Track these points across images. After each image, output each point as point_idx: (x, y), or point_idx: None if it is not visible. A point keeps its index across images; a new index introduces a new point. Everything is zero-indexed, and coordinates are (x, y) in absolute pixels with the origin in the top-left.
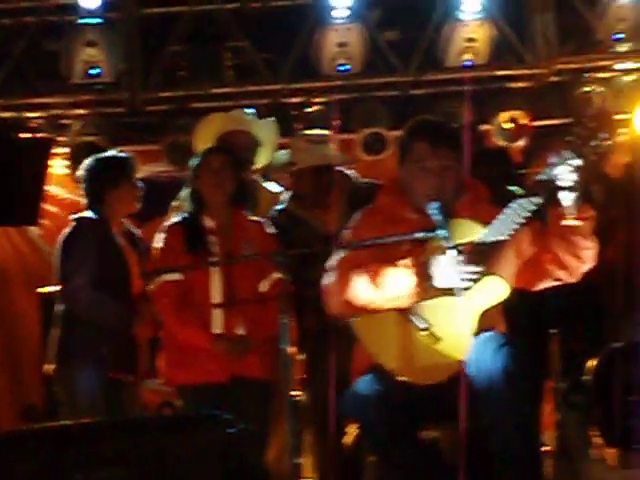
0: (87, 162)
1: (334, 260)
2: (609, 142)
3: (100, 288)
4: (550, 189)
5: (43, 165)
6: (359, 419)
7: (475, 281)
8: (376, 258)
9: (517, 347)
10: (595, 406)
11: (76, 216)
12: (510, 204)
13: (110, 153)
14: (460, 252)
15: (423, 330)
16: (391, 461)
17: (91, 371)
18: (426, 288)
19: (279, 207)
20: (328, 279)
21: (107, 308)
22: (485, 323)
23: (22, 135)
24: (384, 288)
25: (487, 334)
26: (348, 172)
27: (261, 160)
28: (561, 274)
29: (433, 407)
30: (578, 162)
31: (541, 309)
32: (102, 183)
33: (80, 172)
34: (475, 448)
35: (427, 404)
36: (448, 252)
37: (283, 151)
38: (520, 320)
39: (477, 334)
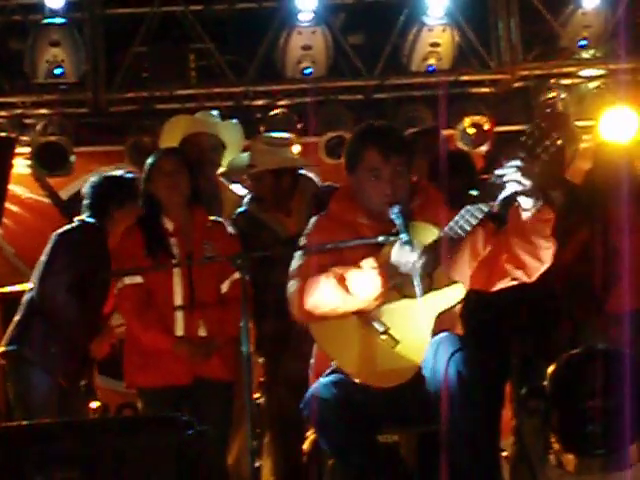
0: (94, 179)
1: (295, 266)
2: (560, 142)
3: (78, 294)
4: (501, 192)
5: (6, 164)
6: (318, 422)
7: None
8: (335, 264)
9: (472, 351)
10: (553, 412)
11: (79, 218)
12: (465, 207)
13: (118, 173)
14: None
15: (382, 333)
16: (350, 464)
17: (41, 368)
18: (392, 288)
19: (240, 210)
20: (292, 286)
21: (77, 316)
22: (442, 325)
23: None
24: (351, 292)
25: (442, 335)
26: (311, 176)
27: (226, 162)
28: (518, 273)
29: (392, 411)
30: (522, 164)
31: (499, 313)
32: (108, 201)
33: (86, 188)
34: (432, 452)
35: (386, 407)
36: (410, 255)
37: (244, 154)
38: (477, 323)
39: (434, 336)
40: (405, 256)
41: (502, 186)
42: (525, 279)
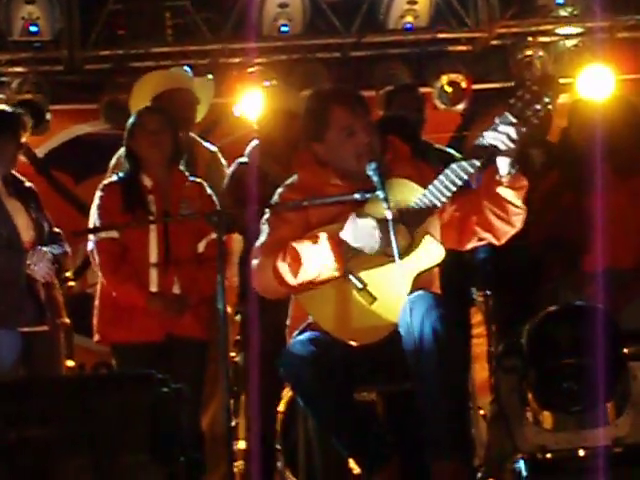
0: None
1: (258, 243)
2: (551, 106)
3: None
4: (489, 153)
5: None
6: (294, 379)
7: (412, 242)
8: (297, 238)
9: (447, 309)
10: (530, 369)
11: None
12: (450, 166)
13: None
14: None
15: (360, 290)
16: (324, 421)
17: (4, 332)
18: (350, 262)
19: (240, 160)
20: (253, 264)
21: None
22: (421, 284)
23: None
24: (301, 273)
25: (418, 294)
26: None
27: (197, 118)
28: (487, 235)
29: (368, 368)
30: (518, 126)
31: (470, 270)
32: None
33: None
34: (406, 409)
35: (362, 365)
36: (387, 213)
37: None
38: (451, 281)
39: (412, 291)
40: (364, 232)
41: (491, 148)
42: (494, 241)
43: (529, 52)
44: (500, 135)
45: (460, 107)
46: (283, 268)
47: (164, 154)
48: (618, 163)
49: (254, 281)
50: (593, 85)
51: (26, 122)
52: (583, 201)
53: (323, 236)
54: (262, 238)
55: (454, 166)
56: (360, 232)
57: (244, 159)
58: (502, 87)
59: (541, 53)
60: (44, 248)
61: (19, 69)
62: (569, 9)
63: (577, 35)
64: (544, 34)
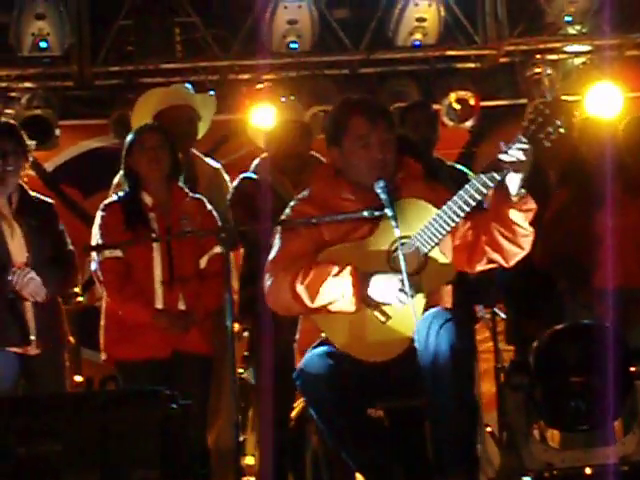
0: None
1: (269, 258)
2: (563, 130)
3: None
4: (502, 174)
5: None
6: (309, 395)
7: (426, 262)
8: (309, 254)
9: (461, 324)
10: (537, 387)
11: None
12: (465, 185)
13: None
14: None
15: (373, 308)
16: (339, 437)
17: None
18: (365, 298)
19: (246, 174)
20: (267, 282)
21: None
22: (432, 301)
23: None
24: (319, 299)
25: (433, 310)
26: (323, 159)
27: (199, 134)
28: (496, 257)
29: (381, 385)
30: (524, 149)
31: (476, 287)
32: None
33: None
34: (415, 427)
35: (375, 382)
36: (395, 232)
37: None
38: (456, 298)
39: (425, 311)
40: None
41: (501, 167)
42: (503, 263)
43: (537, 70)
44: (512, 157)
45: (468, 124)
46: (300, 289)
47: (163, 171)
48: (628, 181)
49: (267, 296)
50: (601, 103)
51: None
52: (593, 219)
53: (347, 270)
54: (274, 251)
55: (471, 184)
56: (384, 289)
57: (249, 174)
58: (510, 104)
59: (549, 71)
60: (31, 272)
61: (29, 84)
62: (578, 27)
63: (585, 53)
64: (552, 52)
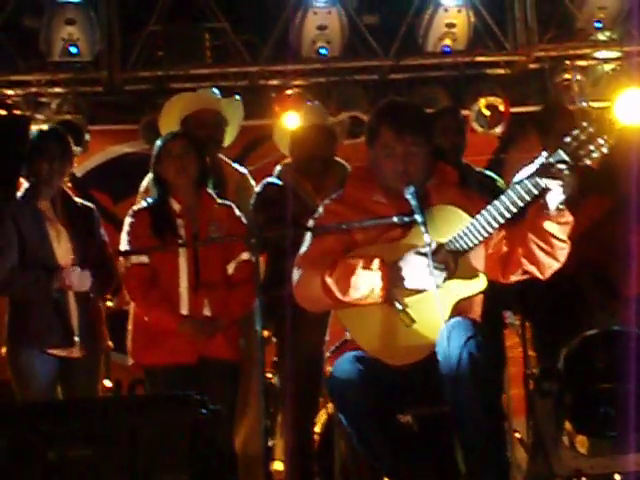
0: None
1: (300, 253)
2: (606, 149)
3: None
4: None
5: (22, 143)
6: (339, 398)
7: (446, 278)
8: (339, 252)
9: (484, 334)
10: (566, 393)
11: None
12: (502, 195)
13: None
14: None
15: (399, 311)
16: (370, 443)
17: (37, 354)
18: (396, 289)
19: (269, 180)
20: (295, 275)
21: (21, 280)
22: (460, 310)
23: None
24: (351, 292)
25: (457, 319)
26: (344, 163)
27: (226, 139)
28: (532, 269)
29: (408, 390)
30: (563, 167)
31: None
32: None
33: None
34: (440, 432)
35: (403, 387)
36: (424, 237)
37: None
38: (484, 304)
39: (450, 319)
40: (418, 259)
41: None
42: (538, 275)
43: (567, 76)
44: (551, 174)
45: (498, 130)
46: (329, 281)
47: (191, 178)
48: None
49: (296, 289)
50: (631, 109)
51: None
52: (624, 228)
53: (376, 262)
54: (304, 247)
55: (508, 194)
56: (413, 272)
57: (272, 179)
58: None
59: (579, 77)
60: (77, 267)
61: (59, 90)
62: (607, 33)
63: (615, 59)
64: (582, 58)
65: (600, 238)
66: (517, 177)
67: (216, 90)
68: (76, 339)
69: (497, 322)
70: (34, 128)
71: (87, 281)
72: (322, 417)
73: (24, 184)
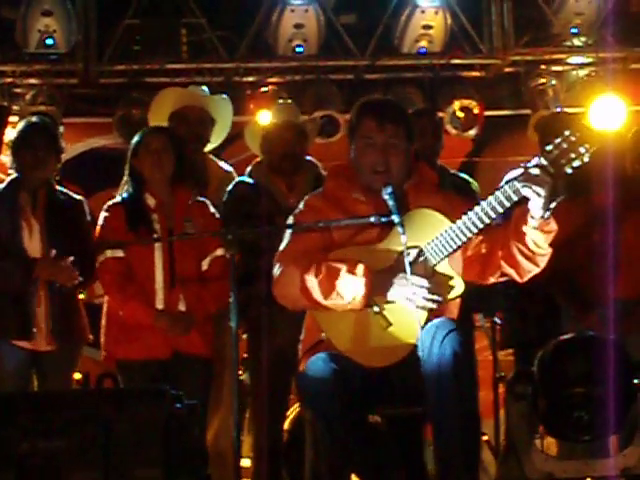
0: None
1: (280, 249)
2: (587, 158)
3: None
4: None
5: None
6: (311, 395)
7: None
8: (319, 249)
9: (464, 333)
10: (540, 397)
11: None
12: (484, 200)
13: None
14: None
15: (376, 313)
16: (339, 441)
17: (4, 345)
18: (375, 296)
19: (241, 178)
20: (275, 270)
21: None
22: (438, 310)
23: None
24: (333, 296)
25: (438, 320)
26: (316, 162)
27: (215, 138)
28: (511, 272)
29: (382, 391)
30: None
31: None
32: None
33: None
34: (413, 434)
35: (377, 388)
36: (401, 239)
37: None
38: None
39: (428, 320)
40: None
41: (517, 189)
42: (516, 278)
43: (542, 80)
44: (532, 181)
45: (472, 133)
46: (312, 283)
47: (166, 173)
48: (631, 194)
49: (275, 287)
50: (605, 115)
51: (50, 133)
52: (594, 232)
53: (360, 268)
54: (284, 244)
55: (490, 199)
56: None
57: (243, 177)
58: (513, 114)
59: (554, 82)
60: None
61: (34, 81)
62: (583, 39)
63: (590, 65)
64: (557, 63)
65: (572, 248)
66: (506, 178)
67: (205, 88)
68: (34, 331)
69: (468, 324)
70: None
71: (73, 276)
72: (291, 414)
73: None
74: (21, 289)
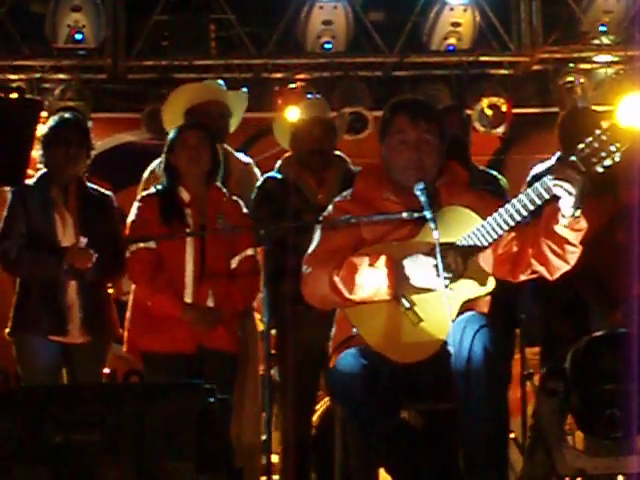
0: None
1: (309, 251)
2: (618, 158)
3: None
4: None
5: (32, 127)
6: (340, 395)
7: (454, 279)
8: (348, 250)
9: (496, 329)
10: (572, 394)
11: None
12: (515, 198)
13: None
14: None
15: (407, 309)
16: (372, 437)
17: (38, 339)
18: (403, 287)
19: (270, 174)
20: (305, 271)
21: (34, 261)
22: (467, 309)
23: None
24: (357, 291)
25: (468, 314)
26: (345, 157)
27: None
28: (542, 269)
29: (412, 386)
30: (574, 174)
31: (518, 292)
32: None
33: None
34: (442, 430)
35: (407, 383)
36: (434, 234)
37: None
38: (498, 302)
39: (459, 314)
40: (424, 258)
41: (548, 187)
42: (547, 276)
43: (570, 78)
44: (563, 179)
45: (500, 130)
46: (337, 280)
47: (202, 169)
48: None
49: (304, 288)
50: (633, 113)
51: (82, 129)
52: (619, 229)
53: (382, 260)
54: (313, 245)
55: (522, 196)
56: (420, 270)
57: (273, 173)
58: (541, 112)
59: (582, 80)
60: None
61: (62, 76)
62: (611, 37)
63: (618, 63)
64: (585, 61)
65: (598, 246)
66: (532, 172)
67: (221, 82)
68: (70, 327)
69: (510, 318)
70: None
71: (89, 258)
72: (319, 410)
73: (41, 170)
74: (54, 279)
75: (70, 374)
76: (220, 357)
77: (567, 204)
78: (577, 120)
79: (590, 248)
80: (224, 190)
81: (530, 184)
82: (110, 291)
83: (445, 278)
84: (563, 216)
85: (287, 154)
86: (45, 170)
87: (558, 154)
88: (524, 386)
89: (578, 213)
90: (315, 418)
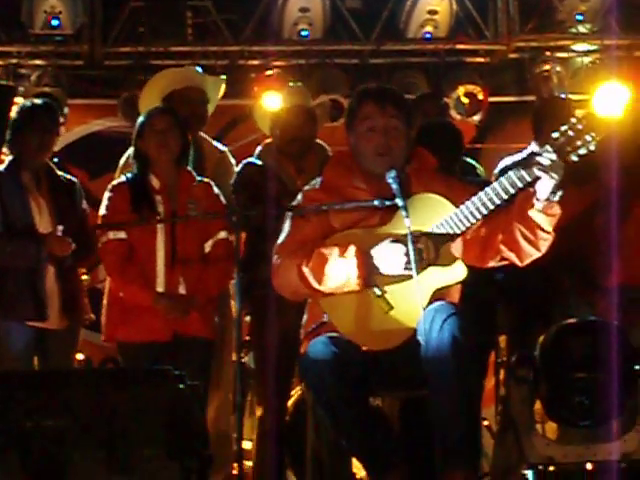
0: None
1: (279, 241)
2: (593, 147)
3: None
4: (541, 167)
5: (5, 112)
6: (312, 378)
7: (425, 266)
8: (318, 240)
9: (465, 318)
10: (542, 381)
11: None
12: (489, 185)
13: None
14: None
15: (377, 296)
16: (341, 423)
17: (14, 325)
18: (372, 277)
19: (249, 160)
20: (275, 262)
21: (15, 251)
22: (439, 297)
23: None
24: (326, 281)
25: (438, 304)
26: (325, 145)
27: None
28: (511, 255)
29: (383, 373)
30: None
31: (490, 281)
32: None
33: None
34: (413, 417)
35: (378, 370)
36: (405, 222)
37: None
38: (469, 291)
39: (429, 304)
40: (392, 246)
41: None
42: (517, 262)
43: (546, 67)
44: (537, 168)
45: (476, 118)
46: (306, 270)
47: (172, 154)
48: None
49: (274, 278)
50: (609, 102)
51: (56, 115)
52: (599, 216)
53: (351, 250)
54: (283, 236)
55: (496, 184)
56: (390, 259)
57: (252, 159)
58: (517, 101)
59: (558, 68)
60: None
61: (39, 62)
62: (588, 26)
63: (595, 52)
64: (562, 49)
65: (580, 230)
66: (501, 165)
67: (199, 68)
68: (49, 312)
69: (488, 307)
70: (22, 100)
71: (68, 247)
72: (294, 396)
73: (8, 156)
74: (34, 266)
75: (43, 359)
76: (195, 343)
77: (545, 189)
78: (551, 108)
79: (571, 233)
80: (194, 174)
81: (498, 177)
82: (85, 278)
83: (415, 264)
84: (538, 199)
85: (267, 141)
86: (13, 156)
87: (530, 147)
88: (497, 374)
89: (556, 198)
90: (289, 404)
